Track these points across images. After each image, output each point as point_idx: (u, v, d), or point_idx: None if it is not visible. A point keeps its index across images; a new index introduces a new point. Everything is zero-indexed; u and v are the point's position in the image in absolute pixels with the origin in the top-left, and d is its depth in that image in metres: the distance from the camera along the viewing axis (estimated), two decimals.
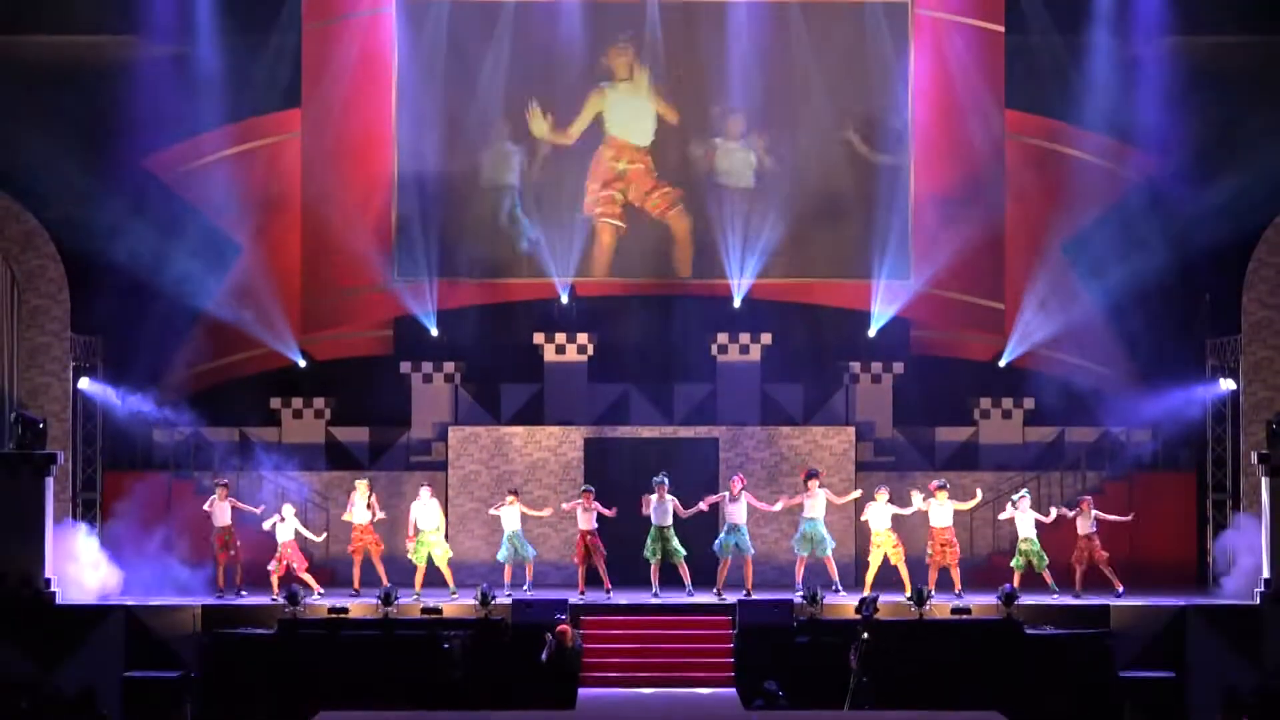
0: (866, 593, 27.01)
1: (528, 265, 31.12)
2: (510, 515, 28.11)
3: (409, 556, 28.05)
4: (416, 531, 28.04)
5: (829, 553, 27.86)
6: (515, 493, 28.42)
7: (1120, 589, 27.50)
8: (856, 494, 28.65)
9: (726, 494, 27.98)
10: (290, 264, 31.12)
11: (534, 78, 31.18)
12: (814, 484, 27.99)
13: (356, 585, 28.18)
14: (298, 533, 28.14)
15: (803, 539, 27.92)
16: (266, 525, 28.11)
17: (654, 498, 27.72)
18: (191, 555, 28.63)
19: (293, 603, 26.55)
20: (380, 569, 28.14)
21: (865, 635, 24.92)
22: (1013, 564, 27.91)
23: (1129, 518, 28.19)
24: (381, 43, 31.27)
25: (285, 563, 27.83)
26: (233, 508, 28.07)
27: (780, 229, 30.91)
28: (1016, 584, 27.25)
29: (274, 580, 27.72)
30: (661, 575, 27.81)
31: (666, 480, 27.80)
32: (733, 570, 27.89)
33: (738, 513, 27.77)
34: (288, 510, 28.31)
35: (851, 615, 26.24)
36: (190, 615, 26.59)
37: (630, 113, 31.26)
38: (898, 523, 27.88)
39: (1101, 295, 30.58)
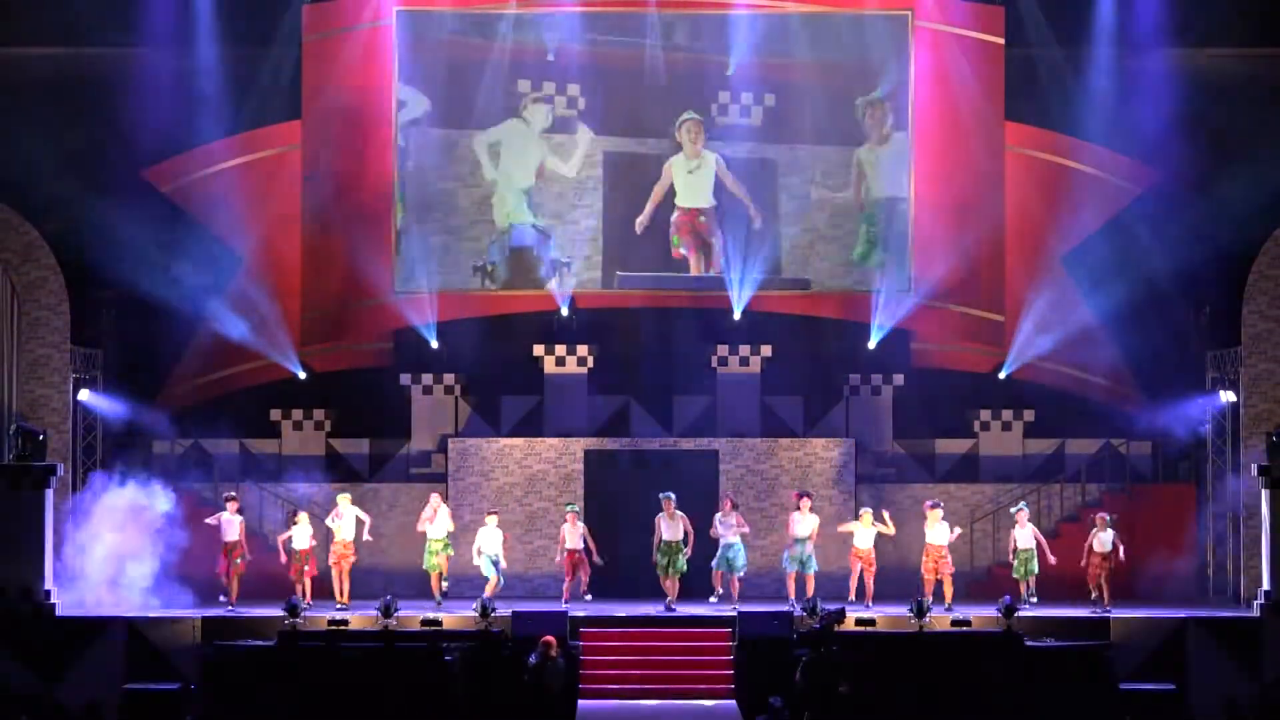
0: (851, 599, 27.34)
1: (528, 278, 31.21)
2: (489, 537, 28.04)
3: (423, 567, 28.16)
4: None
5: (810, 573, 27.94)
6: (495, 512, 28.47)
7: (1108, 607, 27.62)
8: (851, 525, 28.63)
9: (719, 514, 28.05)
10: (290, 276, 31.14)
11: (533, 89, 31.20)
12: (805, 503, 28.08)
13: (345, 598, 28.12)
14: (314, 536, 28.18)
15: (791, 558, 28.04)
16: (284, 535, 28.15)
17: (663, 515, 27.76)
18: (193, 568, 28.56)
19: (292, 614, 26.52)
20: (346, 584, 27.98)
21: (811, 651, 24.83)
22: (1014, 574, 28.01)
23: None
24: (381, 55, 31.29)
25: (302, 568, 27.87)
26: (242, 523, 28.09)
27: (781, 241, 30.98)
28: (1023, 592, 27.48)
29: (303, 588, 27.72)
30: (650, 588, 27.90)
31: (673, 497, 27.85)
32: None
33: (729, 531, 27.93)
34: (303, 518, 28.23)
35: (852, 628, 26.25)
36: (190, 627, 26.56)
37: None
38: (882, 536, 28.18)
39: (1101, 307, 30.59)
